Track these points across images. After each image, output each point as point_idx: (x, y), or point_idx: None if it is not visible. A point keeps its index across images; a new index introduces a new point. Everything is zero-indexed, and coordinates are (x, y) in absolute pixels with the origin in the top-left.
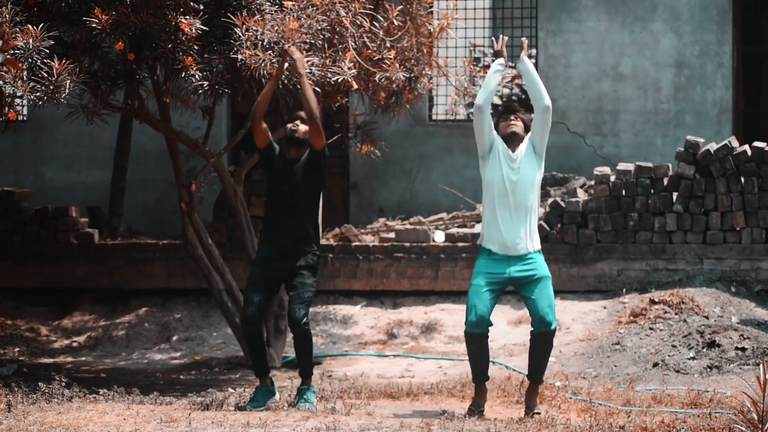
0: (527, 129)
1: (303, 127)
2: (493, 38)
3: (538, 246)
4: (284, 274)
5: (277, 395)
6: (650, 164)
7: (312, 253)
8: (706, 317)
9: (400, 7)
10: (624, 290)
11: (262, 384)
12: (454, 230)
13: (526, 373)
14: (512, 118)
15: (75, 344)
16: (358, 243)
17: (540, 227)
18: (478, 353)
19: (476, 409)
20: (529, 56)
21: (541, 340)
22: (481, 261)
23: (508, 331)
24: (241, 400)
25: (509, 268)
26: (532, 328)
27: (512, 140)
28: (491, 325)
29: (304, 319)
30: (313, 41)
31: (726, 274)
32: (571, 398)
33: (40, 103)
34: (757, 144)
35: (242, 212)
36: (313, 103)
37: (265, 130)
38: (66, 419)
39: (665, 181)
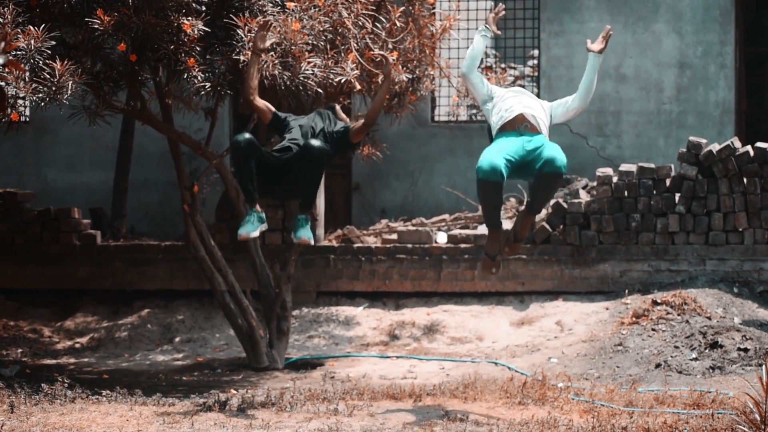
0: None
1: None
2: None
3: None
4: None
5: (265, 224)
6: (653, 165)
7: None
8: (709, 318)
9: (402, 8)
10: (626, 291)
11: (252, 209)
12: (456, 231)
13: (528, 374)
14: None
15: (78, 345)
16: (360, 244)
17: (542, 228)
18: (490, 200)
19: (490, 255)
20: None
21: (549, 177)
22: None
23: (511, 332)
24: (243, 402)
25: (522, 139)
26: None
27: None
28: (504, 178)
29: (322, 146)
30: (315, 42)
31: (728, 274)
32: (573, 399)
33: (43, 104)
34: (759, 144)
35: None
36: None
37: (264, 105)
38: (69, 420)
39: (668, 182)
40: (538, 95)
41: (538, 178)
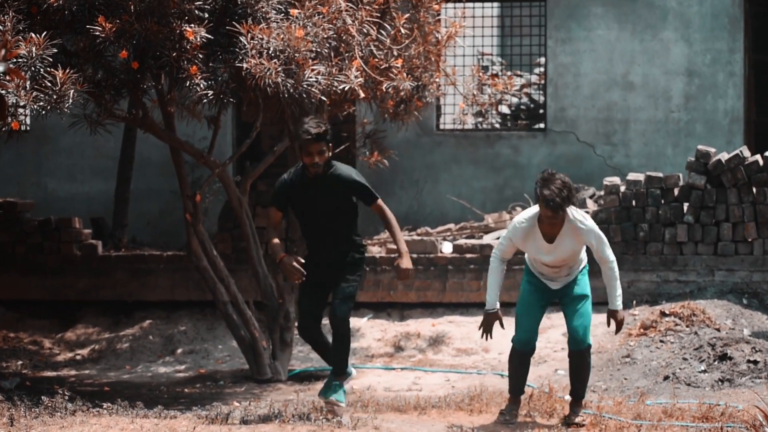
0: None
1: (320, 158)
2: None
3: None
4: (330, 281)
5: (354, 372)
6: (661, 174)
7: (354, 251)
8: (718, 330)
9: (407, 15)
10: (634, 302)
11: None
12: (462, 241)
13: (535, 386)
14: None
15: (78, 357)
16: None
17: None
18: (520, 369)
19: (508, 413)
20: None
21: (574, 357)
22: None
23: None
24: (246, 414)
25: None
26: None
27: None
28: (535, 348)
29: (345, 318)
30: (319, 50)
31: (738, 285)
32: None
33: (43, 112)
34: None
35: (247, 223)
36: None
37: (278, 221)
38: None
39: (676, 191)
40: (544, 103)
41: (568, 356)
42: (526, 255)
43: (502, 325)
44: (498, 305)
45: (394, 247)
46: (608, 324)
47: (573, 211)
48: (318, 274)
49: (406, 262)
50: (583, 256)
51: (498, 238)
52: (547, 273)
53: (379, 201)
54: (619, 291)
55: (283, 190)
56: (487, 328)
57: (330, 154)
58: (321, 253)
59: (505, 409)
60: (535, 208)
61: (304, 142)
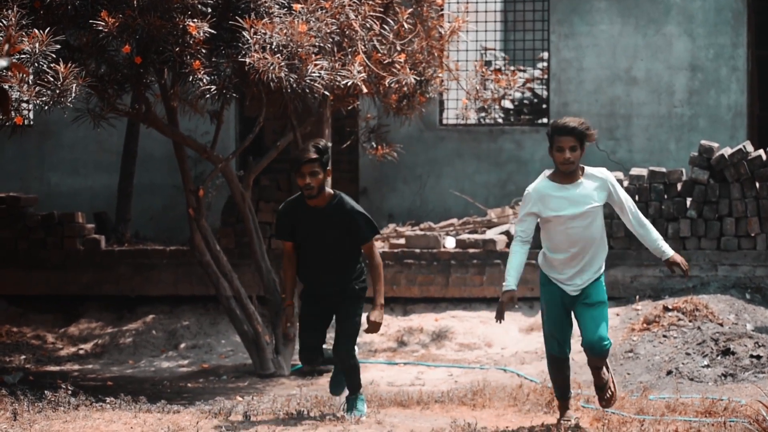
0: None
1: (313, 180)
2: None
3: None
4: (331, 309)
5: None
6: (664, 169)
7: (356, 281)
8: (721, 324)
9: (410, 10)
10: (637, 297)
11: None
12: (464, 236)
13: (538, 381)
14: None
15: (81, 352)
16: None
17: None
18: (560, 374)
19: (565, 420)
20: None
21: (595, 360)
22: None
23: (520, 338)
24: (249, 409)
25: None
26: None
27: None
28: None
29: (351, 353)
30: (322, 44)
31: (741, 280)
32: (583, 407)
33: (46, 107)
34: None
35: (250, 218)
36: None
37: (291, 251)
38: (72, 428)
39: (679, 186)
40: (547, 98)
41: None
42: (539, 258)
43: (514, 303)
44: (514, 286)
45: (397, 242)
46: (672, 270)
47: (589, 168)
48: (318, 306)
49: (377, 315)
50: (603, 252)
51: (501, 233)
52: (566, 261)
53: (373, 241)
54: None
55: (285, 219)
56: (499, 309)
57: (324, 177)
58: (322, 285)
59: (561, 418)
60: (543, 173)
61: (296, 164)
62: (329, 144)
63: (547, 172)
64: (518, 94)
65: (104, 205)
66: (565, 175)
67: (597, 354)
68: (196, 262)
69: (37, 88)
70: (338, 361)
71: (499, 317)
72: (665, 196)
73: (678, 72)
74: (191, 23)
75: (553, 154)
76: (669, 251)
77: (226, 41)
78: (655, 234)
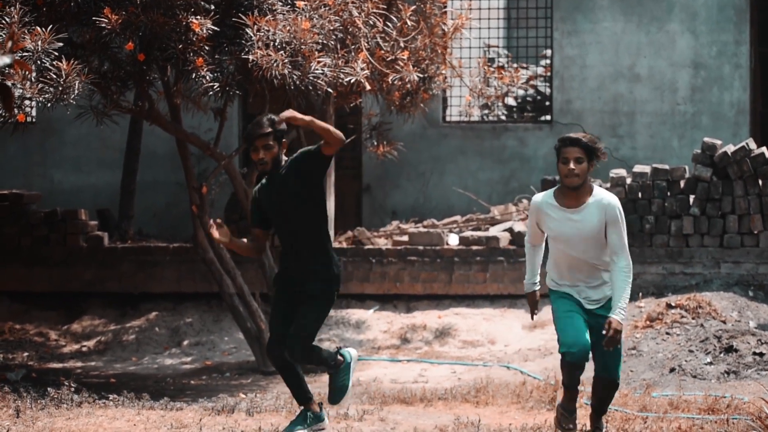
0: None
1: (267, 153)
2: None
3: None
4: (295, 300)
5: (326, 421)
6: (667, 166)
7: (324, 273)
8: (724, 322)
9: (413, 7)
10: (640, 294)
11: (306, 409)
12: (468, 233)
13: (541, 378)
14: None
15: (84, 349)
16: (371, 246)
17: None
18: (574, 376)
19: (568, 410)
20: None
21: (603, 384)
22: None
23: (523, 335)
24: (252, 406)
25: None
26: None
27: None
28: (589, 350)
29: (300, 354)
30: (325, 41)
31: (743, 278)
32: (586, 404)
33: (49, 104)
34: None
35: None
36: (331, 133)
37: (261, 239)
38: (75, 425)
39: (682, 183)
40: (550, 95)
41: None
42: (548, 264)
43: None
44: (536, 284)
45: (400, 239)
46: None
47: (600, 189)
48: (288, 293)
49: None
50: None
51: (504, 230)
52: (572, 274)
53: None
54: (625, 302)
55: (254, 204)
56: (530, 307)
57: (279, 151)
58: (290, 267)
59: (564, 405)
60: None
61: (250, 138)
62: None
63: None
64: (521, 92)
65: (107, 203)
66: (570, 193)
67: (611, 374)
68: (199, 259)
69: (40, 86)
70: (292, 359)
71: (532, 314)
72: (668, 194)
73: (681, 69)
74: (194, 20)
75: (559, 167)
76: (615, 312)
77: (229, 38)
78: (619, 289)
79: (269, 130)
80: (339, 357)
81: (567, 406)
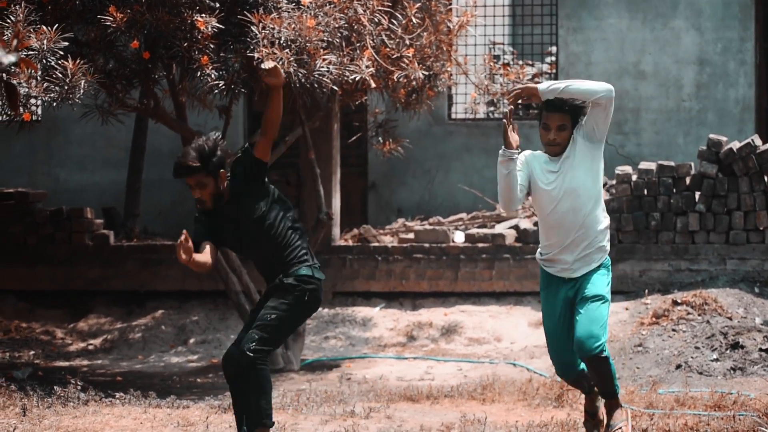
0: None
1: (203, 192)
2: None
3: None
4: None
5: None
6: (672, 163)
7: (294, 275)
8: (730, 318)
9: (418, 4)
10: (646, 291)
11: None
12: (473, 231)
13: (548, 375)
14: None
15: (90, 347)
16: (376, 244)
17: None
18: (576, 386)
19: (590, 413)
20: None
21: (589, 365)
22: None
23: (529, 333)
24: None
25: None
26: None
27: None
28: (580, 367)
29: (250, 346)
30: (330, 39)
31: (749, 274)
32: None
33: (55, 104)
34: None
35: None
36: (277, 117)
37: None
38: (82, 423)
39: (687, 180)
40: None
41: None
42: (537, 253)
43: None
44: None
45: (406, 236)
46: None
47: None
48: (265, 299)
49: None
50: (604, 230)
51: (510, 228)
52: (559, 236)
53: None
54: (563, 85)
55: (200, 221)
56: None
57: (217, 183)
58: (267, 280)
59: (586, 408)
60: None
61: (175, 173)
62: (219, 140)
63: None
64: None
65: (112, 201)
66: (552, 137)
67: (586, 353)
68: None
69: (45, 84)
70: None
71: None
72: (674, 190)
73: (686, 66)
74: (199, 18)
75: (540, 132)
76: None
77: (234, 36)
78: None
79: (197, 164)
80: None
81: (587, 408)
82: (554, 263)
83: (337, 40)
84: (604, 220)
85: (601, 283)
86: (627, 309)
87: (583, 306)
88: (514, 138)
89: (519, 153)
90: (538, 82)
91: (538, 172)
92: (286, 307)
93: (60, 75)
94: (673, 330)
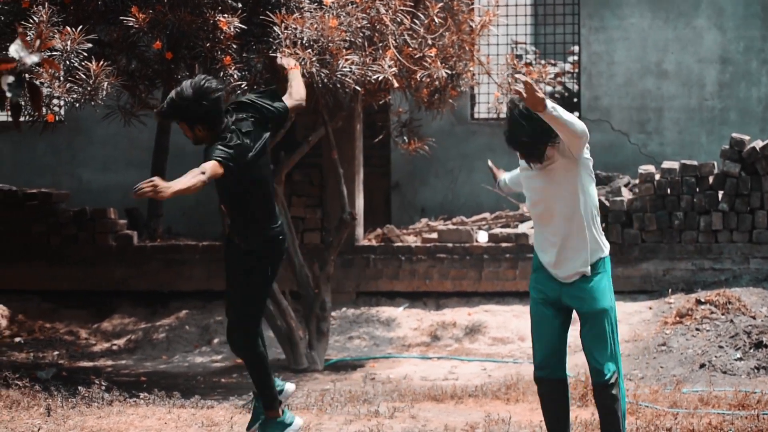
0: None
1: (188, 133)
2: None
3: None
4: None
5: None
6: (695, 162)
7: (246, 242)
8: (753, 317)
9: (441, 4)
10: (670, 290)
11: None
12: (497, 230)
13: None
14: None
15: (114, 347)
16: (400, 243)
17: None
18: (550, 405)
19: None
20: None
21: (596, 393)
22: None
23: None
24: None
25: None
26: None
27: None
28: (564, 363)
29: (241, 335)
30: (353, 39)
31: None
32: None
33: (77, 105)
34: None
35: (283, 213)
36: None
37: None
38: (106, 423)
39: (710, 179)
40: (578, 92)
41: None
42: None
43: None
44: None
45: (430, 236)
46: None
47: None
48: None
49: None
50: (598, 235)
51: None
52: (546, 235)
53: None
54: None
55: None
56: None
57: (206, 131)
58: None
59: None
60: None
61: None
62: (212, 85)
63: None
64: (549, 88)
65: (135, 202)
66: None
67: (596, 383)
68: None
69: (69, 85)
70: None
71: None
72: (697, 190)
73: (708, 65)
74: (222, 18)
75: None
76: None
77: (256, 36)
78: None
79: (170, 111)
80: (280, 405)
81: None
82: (541, 253)
83: (360, 40)
84: (589, 235)
85: (602, 290)
86: (650, 308)
87: (583, 326)
88: (500, 176)
89: (502, 183)
90: (561, 82)
91: (523, 175)
92: (246, 277)
93: (83, 76)
94: (697, 329)
